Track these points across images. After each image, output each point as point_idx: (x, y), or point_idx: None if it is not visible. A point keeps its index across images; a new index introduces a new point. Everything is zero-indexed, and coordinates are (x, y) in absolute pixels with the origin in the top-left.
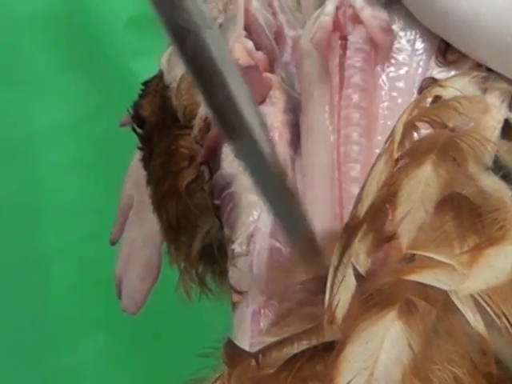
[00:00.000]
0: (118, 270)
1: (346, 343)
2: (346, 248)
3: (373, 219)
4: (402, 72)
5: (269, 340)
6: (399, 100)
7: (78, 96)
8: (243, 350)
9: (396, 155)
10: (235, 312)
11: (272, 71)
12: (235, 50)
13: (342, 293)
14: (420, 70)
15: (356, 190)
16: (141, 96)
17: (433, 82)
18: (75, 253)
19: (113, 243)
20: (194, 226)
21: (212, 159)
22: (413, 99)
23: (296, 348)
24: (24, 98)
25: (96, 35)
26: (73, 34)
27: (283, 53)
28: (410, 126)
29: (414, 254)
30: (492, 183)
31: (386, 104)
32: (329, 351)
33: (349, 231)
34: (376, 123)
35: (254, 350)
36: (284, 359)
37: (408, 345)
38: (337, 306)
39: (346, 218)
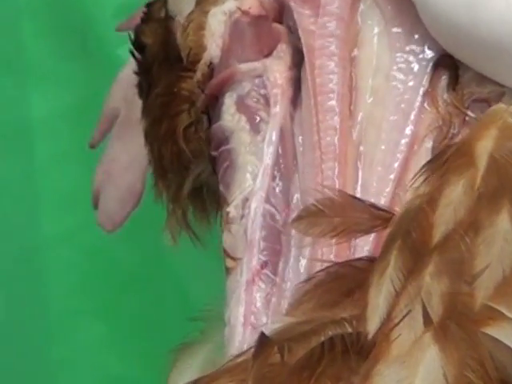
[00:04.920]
0: (95, 182)
1: (380, 356)
2: (412, 273)
3: (446, 254)
4: None
5: (287, 320)
6: None
7: (75, 84)
8: (270, 339)
9: (477, 186)
10: (228, 278)
11: (281, 20)
12: None
13: (405, 330)
14: None
15: (332, 121)
16: (143, 20)
17: None
18: (73, 242)
19: (92, 147)
20: (185, 169)
21: (212, 108)
22: None
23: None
24: (19, 86)
25: (86, 23)
26: (65, 21)
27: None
28: (494, 160)
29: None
30: None
31: None
32: (353, 357)
33: (415, 249)
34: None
35: (272, 328)
36: (308, 349)
37: (443, 375)
38: (395, 340)
39: (323, 148)
